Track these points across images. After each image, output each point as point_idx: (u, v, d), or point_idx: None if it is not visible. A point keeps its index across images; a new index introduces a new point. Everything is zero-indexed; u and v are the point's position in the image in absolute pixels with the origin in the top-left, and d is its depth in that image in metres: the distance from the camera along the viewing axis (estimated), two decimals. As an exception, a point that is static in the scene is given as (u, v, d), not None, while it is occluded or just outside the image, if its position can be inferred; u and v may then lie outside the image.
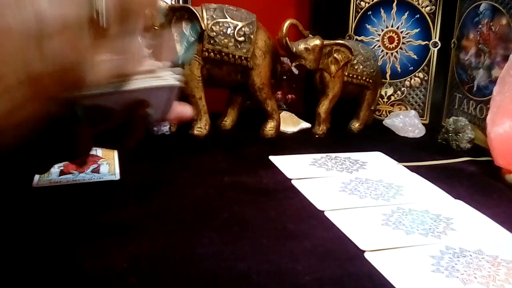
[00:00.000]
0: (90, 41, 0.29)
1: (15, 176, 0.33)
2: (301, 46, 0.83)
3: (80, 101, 0.32)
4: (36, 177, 0.59)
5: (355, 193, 0.59)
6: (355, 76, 0.88)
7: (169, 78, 0.36)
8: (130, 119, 0.36)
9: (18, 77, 0.27)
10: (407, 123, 0.91)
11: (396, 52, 0.96)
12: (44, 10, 0.28)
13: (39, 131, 0.31)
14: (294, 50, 0.83)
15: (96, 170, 0.63)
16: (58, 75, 0.28)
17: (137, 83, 0.34)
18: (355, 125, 0.92)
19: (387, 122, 0.93)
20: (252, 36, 0.80)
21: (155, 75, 0.35)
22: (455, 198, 0.59)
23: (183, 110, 0.41)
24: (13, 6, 0.27)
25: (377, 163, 0.72)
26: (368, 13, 0.95)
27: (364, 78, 0.89)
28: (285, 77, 1.03)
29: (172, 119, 0.40)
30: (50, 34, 0.27)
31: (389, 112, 0.98)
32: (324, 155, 0.74)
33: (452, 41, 0.91)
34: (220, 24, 0.78)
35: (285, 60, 0.96)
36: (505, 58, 0.72)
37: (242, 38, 0.79)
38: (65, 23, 0.28)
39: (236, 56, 0.79)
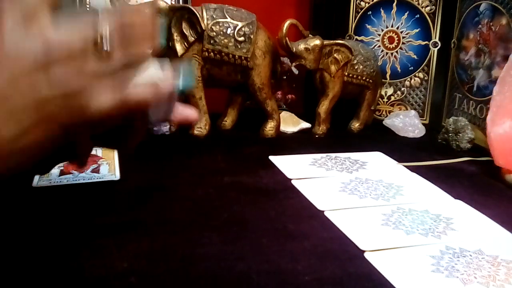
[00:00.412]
0: (94, 66, 0.30)
1: (14, 177, 0.33)
2: (301, 46, 0.83)
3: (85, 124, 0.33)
4: (36, 177, 0.59)
5: (355, 193, 0.59)
6: (355, 76, 0.88)
7: (171, 85, 0.36)
8: (130, 120, 0.36)
9: (25, 101, 0.28)
10: (407, 123, 0.91)
11: (396, 52, 0.96)
12: (51, 36, 0.28)
13: (44, 156, 0.32)
14: (294, 50, 0.83)
15: (96, 170, 0.63)
16: (63, 101, 0.29)
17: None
18: (355, 125, 0.92)
19: (387, 122, 0.93)
20: (252, 36, 0.80)
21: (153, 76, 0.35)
22: (455, 198, 0.59)
23: (187, 112, 0.41)
24: (21, 31, 0.28)
25: (377, 163, 0.72)
26: (368, 13, 0.95)
27: (364, 78, 0.89)
28: (285, 77, 1.03)
29: (176, 121, 0.40)
30: (56, 60, 0.28)
31: (389, 112, 0.98)
32: (324, 155, 0.74)
33: (452, 41, 0.91)
34: (220, 24, 0.78)
35: (285, 60, 0.96)
36: (505, 58, 0.72)
37: (242, 38, 0.79)
38: (71, 49, 0.29)
39: (236, 56, 0.79)
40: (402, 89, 0.98)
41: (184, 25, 0.77)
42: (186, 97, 0.80)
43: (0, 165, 0.29)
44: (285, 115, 0.91)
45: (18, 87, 0.28)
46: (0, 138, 0.28)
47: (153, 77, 0.33)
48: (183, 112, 0.40)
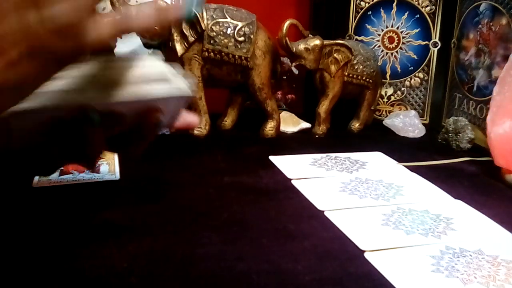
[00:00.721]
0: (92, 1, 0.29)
1: (20, 176, 0.33)
2: (301, 46, 0.83)
3: (96, 107, 0.32)
4: (36, 177, 0.59)
5: (355, 193, 0.59)
6: (355, 76, 0.88)
7: (183, 87, 0.36)
8: (141, 125, 0.36)
9: (12, 32, 0.27)
10: (407, 123, 0.91)
11: (396, 52, 0.96)
12: None
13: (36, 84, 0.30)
14: (294, 50, 0.83)
15: (96, 170, 0.63)
16: (57, 34, 0.27)
17: (152, 91, 0.34)
18: (355, 125, 0.92)
19: (387, 122, 0.93)
20: (252, 36, 0.80)
21: (170, 83, 0.35)
22: (455, 198, 0.59)
23: (189, 118, 0.41)
24: None
25: (377, 163, 0.72)
26: (368, 13, 0.95)
27: (364, 78, 0.89)
28: (285, 77, 1.03)
29: (178, 126, 0.40)
30: None
31: (389, 112, 0.98)
32: (324, 155, 0.74)
33: (452, 41, 0.91)
34: (220, 24, 0.78)
35: (285, 60, 0.96)
36: (505, 58, 0.72)
37: (242, 38, 0.79)
38: None
39: (236, 56, 0.79)
40: (402, 89, 0.98)
41: (184, 25, 0.77)
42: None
43: None
44: (285, 115, 0.91)
45: (10, 32, 0.27)
46: None
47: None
48: (186, 118, 0.40)
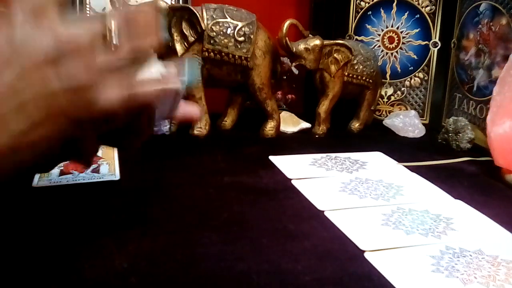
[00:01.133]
0: (103, 60, 0.30)
1: (16, 176, 0.33)
2: (301, 46, 0.83)
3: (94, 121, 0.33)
4: (36, 177, 0.59)
5: (355, 193, 0.59)
6: (355, 76, 0.88)
7: (177, 80, 0.36)
8: (135, 120, 0.36)
9: (34, 95, 0.28)
10: (407, 123, 0.91)
11: (396, 52, 0.96)
12: (61, 31, 0.29)
13: (53, 152, 0.32)
14: (294, 50, 0.83)
15: (96, 170, 0.63)
16: (72, 95, 0.29)
17: (144, 87, 0.34)
18: (355, 125, 0.92)
19: (387, 122, 0.93)
20: (252, 36, 0.80)
21: (161, 78, 0.35)
22: (455, 198, 0.59)
23: (190, 110, 0.41)
24: (31, 26, 0.29)
25: (377, 163, 0.72)
26: (368, 13, 0.95)
27: (364, 78, 0.89)
28: (285, 77, 1.03)
29: (179, 118, 0.41)
30: (66, 54, 0.29)
31: (389, 112, 0.98)
32: (324, 155, 0.74)
33: (452, 41, 0.91)
34: (220, 24, 0.78)
35: (285, 60, 0.96)
36: (505, 58, 0.72)
37: (242, 38, 0.79)
38: (80, 43, 0.29)
39: (236, 56, 0.79)
40: (402, 89, 0.98)
41: (184, 25, 0.77)
42: (186, 97, 0.80)
43: (8, 159, 0.29)
44: (285, 115, 0.91)
45: (28, 81, 0.28)
46: (10, 131, 0.28)
47: (160, 73, 0.34)
48: (186, 109, 0.40)
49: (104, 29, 0.30)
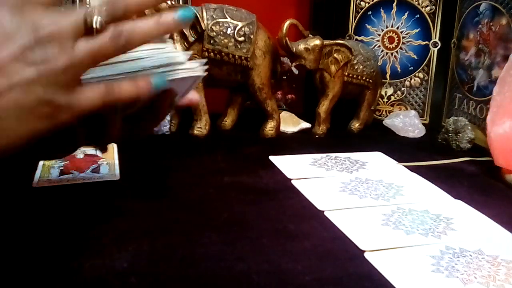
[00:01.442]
0: (82, 44, 0.30)
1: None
2: (301, 46, 0.83)
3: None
4: (36, 177, 0.59)
5: (355, 193, 0.59)
6: (355, 76, 0.88)
7: (198, 69, 0.38)
8: (155, 106, 0.37)
9: (10, 86, 0.29)
10: (407, 123, 0.91)
11: (396, 52, 0.96)
12: (40, 18, 0.30)
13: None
14: (294, 50, 0.83)
15: (96, 170, 0.63)
16: (47, 80, 0.29)
17: (172, 74, 0.36)
18: (355, 125, 0.92)
19: (387, 122, 0.93)
20: (252, 36, 0.80)
21: (185, 65, 0.37)
22: (455, 198, 0.59)
23: (191, 96, 0.42)
24: (13, 15, 0.29)
25: (377, 163, 0.72)
26: (368, 13, 0.95)
27: (364, 78, 0.89)
28: (285, 77, 1.03)
29: (181, 104, 0.41)
30: (43, 40, 0.29)
31: (389, 112, 0.98)
32: (324, 155, 0.74)
33: (452, 41, 0.91)
34: (220, 24, 0.78)
35: (285, 60, 0.96)
36: (505, 58, 0.72)
37: (242, 38, 0.79)
38: (58, 29, 0.30)
39: (236, 56, 0.79)
40: (402, 89, 0.98)
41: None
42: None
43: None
44: (285, 115, 0.91)
45: (3, 72, 0.28)
46: None
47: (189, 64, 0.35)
48: (188, 95, 0.42)
49: (87, 14, 0.30)
